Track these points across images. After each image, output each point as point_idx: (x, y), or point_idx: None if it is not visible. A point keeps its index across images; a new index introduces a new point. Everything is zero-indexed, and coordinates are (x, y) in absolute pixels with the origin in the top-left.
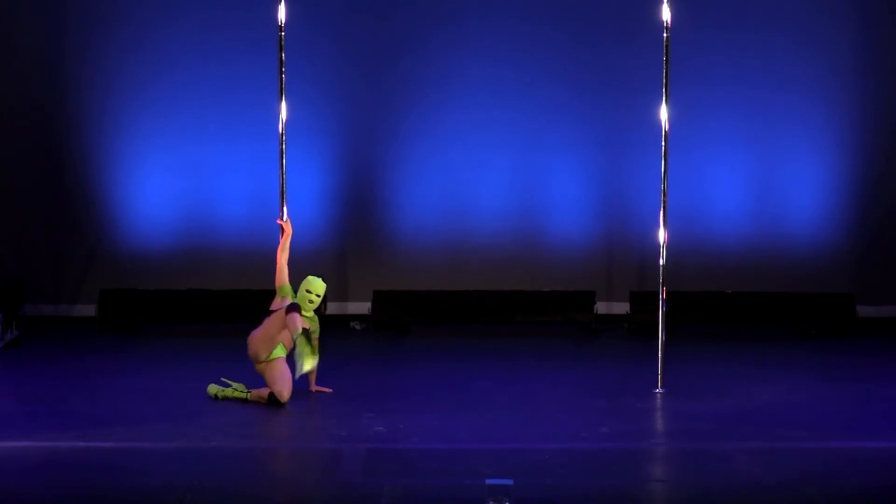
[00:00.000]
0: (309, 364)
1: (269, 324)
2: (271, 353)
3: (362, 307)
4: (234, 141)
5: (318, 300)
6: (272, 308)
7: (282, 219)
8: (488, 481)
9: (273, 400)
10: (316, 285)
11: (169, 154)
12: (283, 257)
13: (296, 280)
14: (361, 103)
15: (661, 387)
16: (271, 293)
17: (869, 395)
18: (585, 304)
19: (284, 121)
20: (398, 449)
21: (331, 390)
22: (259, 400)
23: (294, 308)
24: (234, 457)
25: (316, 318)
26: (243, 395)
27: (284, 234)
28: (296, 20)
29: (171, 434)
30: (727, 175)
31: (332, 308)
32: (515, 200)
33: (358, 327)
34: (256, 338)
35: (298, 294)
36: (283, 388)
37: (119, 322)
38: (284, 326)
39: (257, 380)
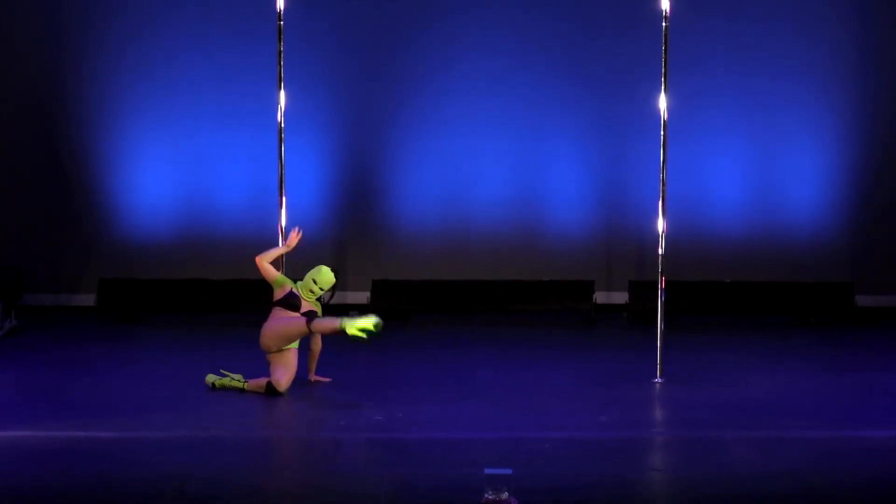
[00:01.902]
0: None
1: (287, 327)
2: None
3: (361, 297)
4: (232, 130)
5: (319, 293)
6: (276, 298)
7: (297, 232)
8: (487, 471)
9: (270, 389)
10: (324, 278)
11: (168, 144)
12: (264, 261)
13: (300, 270)
14: (360, 93)
15: (660, 376)
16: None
17: (867, 385)
18: (584, 294)
19: (283, 110)
20: (397, 438)
21: (330, 379)
22: (257, 390)
23: (309, 315)
24: (234, 446)
25: (319, 304)
26: (240, 385)
27: (285, 246)
28: (294, 9)
29: (170, 423)
30: (726, 164)
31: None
32: (514, 190)
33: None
34: (272, 334)
35: (304, 281)
36: (283, 377)
37: (118, 311)
38: (304, 333)
39: (256, 371)
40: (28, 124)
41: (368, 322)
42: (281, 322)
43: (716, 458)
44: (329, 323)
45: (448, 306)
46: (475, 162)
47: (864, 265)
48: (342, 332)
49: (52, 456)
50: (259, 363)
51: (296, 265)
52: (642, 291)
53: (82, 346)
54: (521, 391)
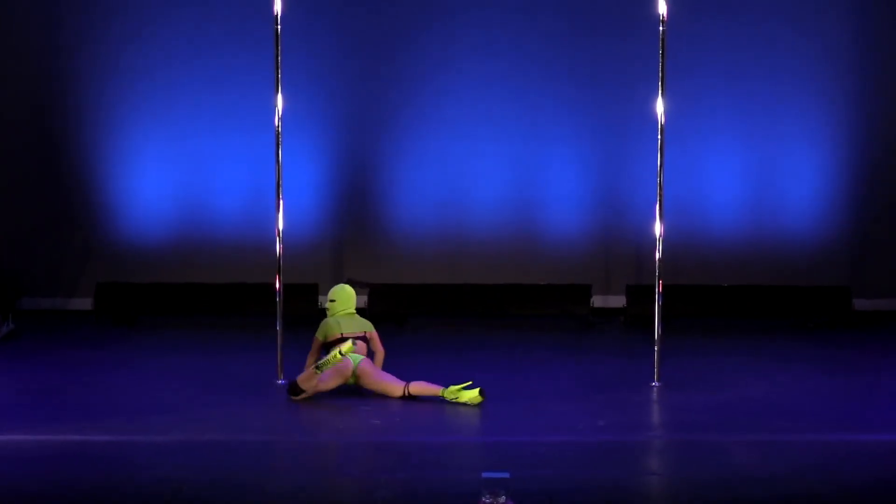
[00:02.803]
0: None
1: (386, 385)
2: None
3: (359, 300)
4: (230, 133)
5: (331, 305)
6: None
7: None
8: (484, 474)
9: (296, 390)
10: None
11: (165, 146)
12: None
13: (297, 273)
14: (359, 95)
15: (658, 380)
16: (268, 286)
17: (865, 388)
18: (582, 298)
19: (280, 113)
20: (395, 442)
21: None
22: (307, 375)
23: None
24: (231, 450)
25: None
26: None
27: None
28: (293, 12)
29: (167, 427)
30: (724, 168)
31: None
32: (512, 193)
33: None
34: (373, 381)
35: (333, 318)
36: (304, 395)
37: (115, 315)
38: (396, 396)
39: (253, 377)
40: (26, 127)
41: (475, 398)
42: (384, 377)
43: (714, 462)
44: (430, 389)
45: (445, 310)
46: (473, 164)
47: (862, 268)
48: (440, 397)
49: (48, 459)
50: (256, 368)
51: (292, 267)
52: (640, 295)
53: (79, 349)
54: (519, 395)
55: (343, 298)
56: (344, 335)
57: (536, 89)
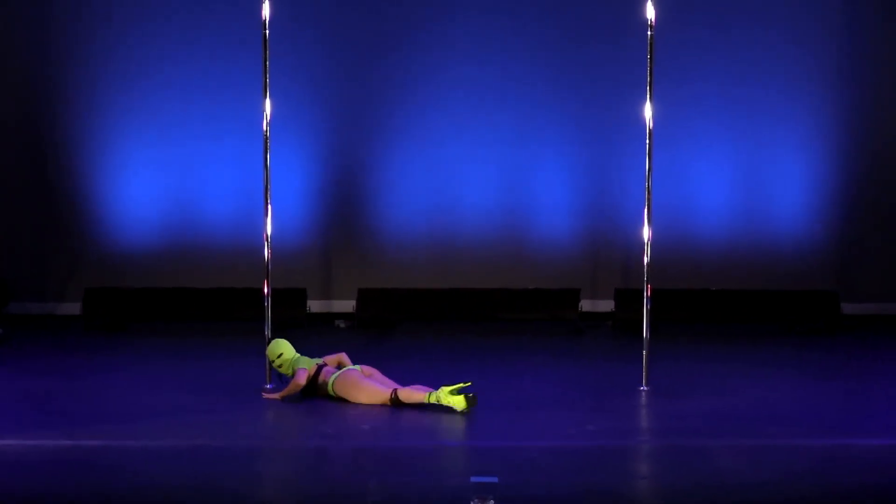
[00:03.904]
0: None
1: (372, 393)
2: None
3: (347, 305)
4: (219, 138)
5: (278, 360)
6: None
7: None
8: (473, 479)
9: (396, 400)
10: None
11: (154, 151)
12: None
13: (281, 278)
14: (347, 101)
15: (646, 384)
16: (256, 291)
17: (853, 393)
18: (570, 302)
19: (269, 118)
20: (383, 447)
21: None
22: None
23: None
24: (220, 455)
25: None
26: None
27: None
28: (281, 17)
29: (157, 433)
30: (712, 173)
31: (317, 306)
32: (501, 198)
33: (342, 325)
34: (356, 392)
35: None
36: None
37: (105, 320)
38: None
39: (242, 385)
40: (14, 132)
41: (461, 405)
42: (364, 383)
43: (702, 467)
44: (417, 395)
45: (434, 315)
46: (462, 170)
47: (850, 273)
48: (427, 403)
49: (37, 465)
50: (244, 373)
51: (281, 272)
52: (628, 300)
53: (68, 354)
54: (507, 399)
55: (287, 348)
56: (318, 365)
57: (526, 94)
